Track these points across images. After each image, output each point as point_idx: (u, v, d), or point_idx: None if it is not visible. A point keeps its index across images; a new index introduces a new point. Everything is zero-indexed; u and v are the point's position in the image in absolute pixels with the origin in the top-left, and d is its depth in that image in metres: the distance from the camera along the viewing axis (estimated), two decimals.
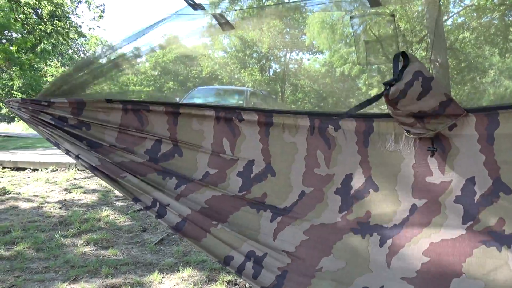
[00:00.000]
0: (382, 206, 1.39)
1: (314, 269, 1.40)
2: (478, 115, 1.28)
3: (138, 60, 2.15)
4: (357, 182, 1.47)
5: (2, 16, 11.43)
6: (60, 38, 14.80)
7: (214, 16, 1.91)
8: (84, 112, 1.74)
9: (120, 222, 4.34)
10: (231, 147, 1.68)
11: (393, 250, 1.32)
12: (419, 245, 1.30)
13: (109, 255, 3.44)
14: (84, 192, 5.58)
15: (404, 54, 1.24)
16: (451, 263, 1.23)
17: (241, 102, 14.26)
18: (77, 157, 1.68)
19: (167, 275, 3.06)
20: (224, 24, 1.92)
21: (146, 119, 1.77)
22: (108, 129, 1.75)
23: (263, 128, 1.66)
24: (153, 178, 1.69)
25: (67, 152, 1.68)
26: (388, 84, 1.23)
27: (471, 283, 1.18)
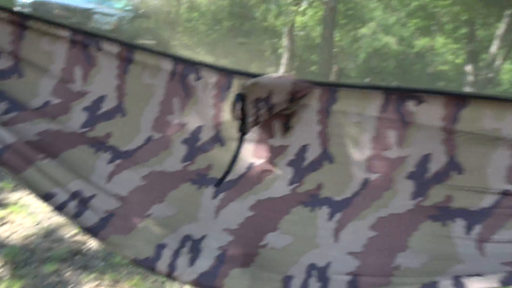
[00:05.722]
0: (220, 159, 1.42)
1: (144, 214, 1.40)
2: (323, 88, 1.32)
3: None
4: (206, 135, 1.48)
5: None
6: None
7: None
8: None
9: None
10: (84, 77, 1.52)
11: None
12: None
13: None
14: None
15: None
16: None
17: (129, 7, 12.78)
18: None
19: None
20: None
21: None
22: None
23: (123, 64, 1.52)
24: None
25: None
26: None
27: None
